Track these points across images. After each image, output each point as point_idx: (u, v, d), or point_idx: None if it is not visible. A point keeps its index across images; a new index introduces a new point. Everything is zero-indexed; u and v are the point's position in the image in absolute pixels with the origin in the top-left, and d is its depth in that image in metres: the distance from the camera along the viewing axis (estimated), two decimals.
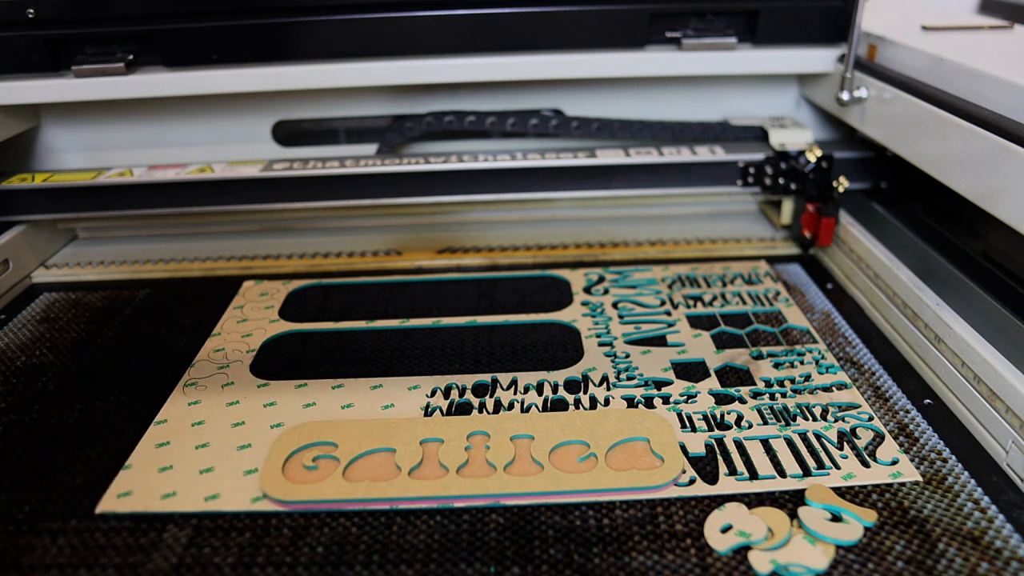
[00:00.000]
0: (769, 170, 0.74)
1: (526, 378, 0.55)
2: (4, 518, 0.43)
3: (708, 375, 0.55)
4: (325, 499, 0.43)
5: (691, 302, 0.65)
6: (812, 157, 0.71)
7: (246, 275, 0.72)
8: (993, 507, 0.43)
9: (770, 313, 0.63)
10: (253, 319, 0.64)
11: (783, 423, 0.50)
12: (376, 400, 0.53)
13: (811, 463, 0.46)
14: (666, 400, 0.52)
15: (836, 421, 0.50)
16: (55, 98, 0.71)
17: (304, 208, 0.75)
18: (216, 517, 0.43)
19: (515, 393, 0.53)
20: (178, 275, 0.73)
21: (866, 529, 0.41)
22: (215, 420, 0.51)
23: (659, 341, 0.59)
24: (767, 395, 0.53)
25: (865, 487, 0.44)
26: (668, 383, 0.54)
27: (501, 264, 0.74)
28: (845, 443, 0.48)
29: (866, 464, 0.46)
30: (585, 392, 0.53)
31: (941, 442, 0.48)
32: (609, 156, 0.73)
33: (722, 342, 0.59)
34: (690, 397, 0.52)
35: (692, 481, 0.45)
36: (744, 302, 0.65)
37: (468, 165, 0.73)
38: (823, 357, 0.57)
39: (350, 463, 0.46)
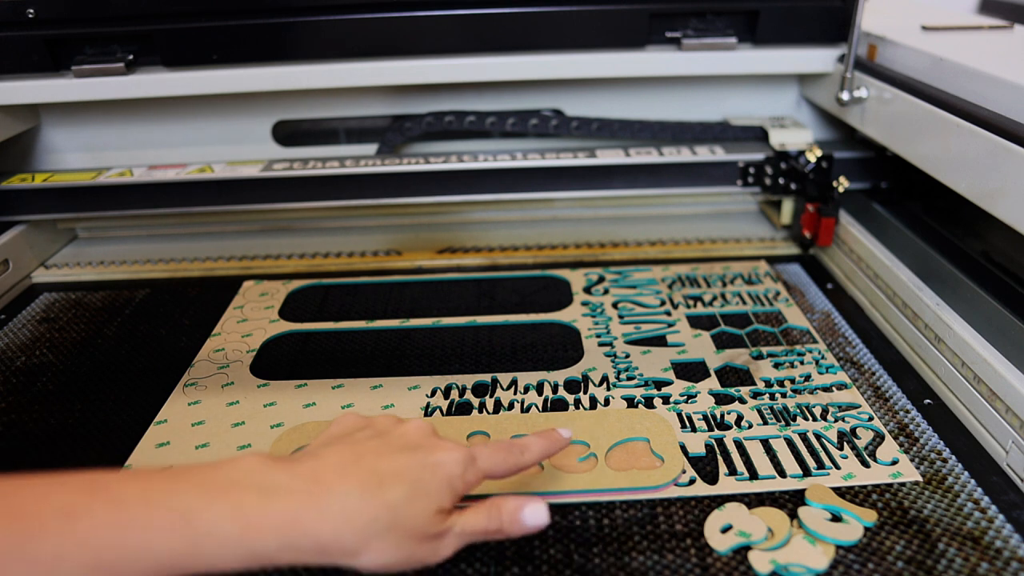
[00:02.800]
0: (769, 170, 0.73)
1: (526, 378, 0.55)
2: None
3: (708, 375, 0.55)
4: None
5: (691, 302, 0.65)
6: (812, 157, 0.71)
7: (246, 275, 0.72)
8: (993, 507, 0.43)
9: (770, 313, 0.63)
10: (253, 319, 0.64)
11: (783, 423, 0.50)
12: (376, 400, 0.53)
13: (811, 463, 0.46)
14: (666, 400, 0.52)
15: (836, 421, 0.50)
16: (55, 98, 0.71)
17: (304, 208, 0.75)
18: None
19: (515, 393, 0.53)
20: (178, 275, 0.73)
21: (866, 529, 0.41)
22: (215, 420, 0.51)
23: (659, 341, 0.59)
24: (767, 395, 0.53)
25: (865, 487, 0.44)
26: (668, 383, 0.54)
27: (501, 264, 0.74)
28: (845, 443, 0.48)
29: (866, 464, 0.46)
30: (585, 392, 0.53)
31: (941, 442, 0.48)
32: (609, 156, 0.73)
33: (722, 342, 0.59)
34: (690, 397, 0.52)
35: (692, 481, 0.45)
36: (744, 302, 0.65)
37: (468, 165, 0.73)
38: (823, 357, 0.57)
39: None
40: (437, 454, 0.35)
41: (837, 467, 0.46)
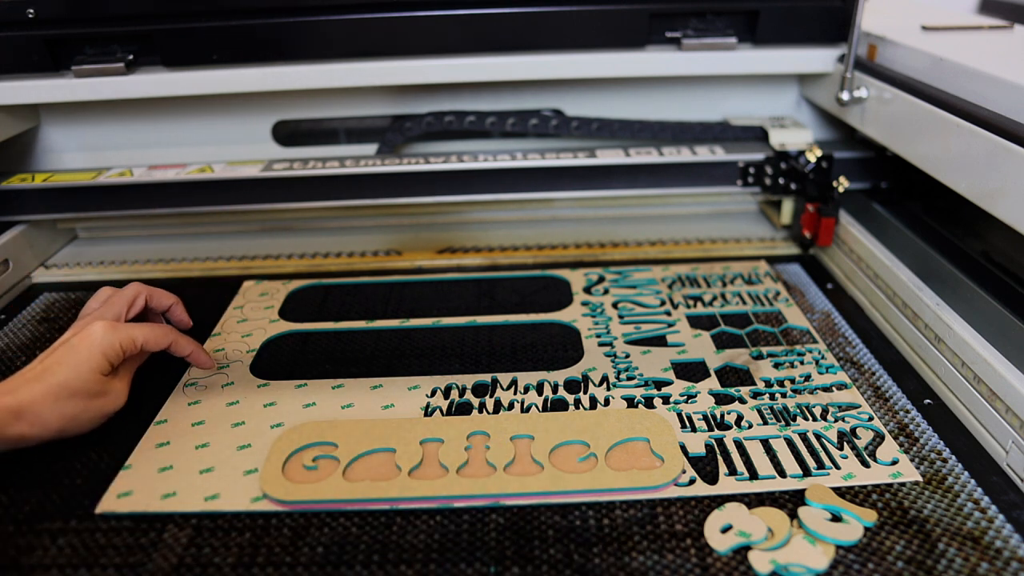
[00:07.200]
0: (769, 170, 0.73)
1: (526, 378, 0.55)
2: (4, 518, 0.43)
3: (708, 375, 0.55)
4: (325, 499, 0.43)
5: (691, 302, 0.65)
6: (812, 157, 0.71)
7: (246, 275, 0.72)
8: (993, 507, 0.43)
9: (770, 313, 0.63)
10: (253, 319, 0.64)
11: (783, 423, 0.50)
12: (376, 400, 0.53)
13: (811, 463, 0.46)
14: (666, 400, 0.52)
15: (836, 421, 0.50)
16: (55, 98, 0.71)
17: (304, 208, 0.75)
18: (216, 517, 0.43)
19: (515, 393, 0.53)
20: (178, 275, 0.73)
21: (866, 529, 0.41)
22: (215, 420, 0.51)
23: (659, 341, 0.59)
24: (767, 395, 0.52)
25: (865, 487, 0.44)
26: (668, 383, 0.54)
27: (501, 264, 0.74)
28: (845, 443, 0.48)
29: (866, 464, 0.46)
30: (585, 392, 0.53)
31: (941, 442, 0.48)
32: (609, 156, 0.73)
33: (722, 342, 0.59)
34: (690, 397, 0.52)
35: (692, 481, 0.45)
36: (744, 302, 0.65)
37: (468, 165, 0.73)
38: (823, 357, 0.57)
39: (350, 463, 0.46)
40: (86, 330, 0.47)
41: (837, 467, 0.46)
